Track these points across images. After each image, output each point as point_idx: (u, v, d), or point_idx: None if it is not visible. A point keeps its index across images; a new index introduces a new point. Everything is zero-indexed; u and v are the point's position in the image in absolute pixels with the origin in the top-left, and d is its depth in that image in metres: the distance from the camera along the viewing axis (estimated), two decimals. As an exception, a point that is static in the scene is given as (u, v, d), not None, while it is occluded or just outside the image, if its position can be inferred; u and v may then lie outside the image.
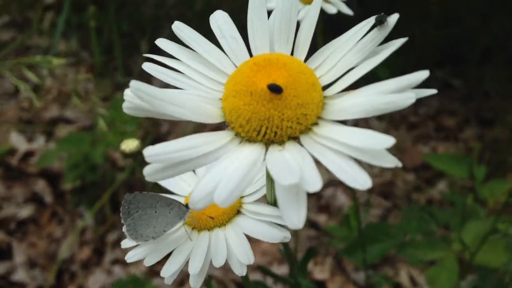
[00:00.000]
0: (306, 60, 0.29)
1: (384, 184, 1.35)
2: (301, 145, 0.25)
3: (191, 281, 0.31)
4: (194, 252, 0.32)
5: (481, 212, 0.91)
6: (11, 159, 1.22)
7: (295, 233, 1.18)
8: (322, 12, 0.56)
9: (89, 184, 1.15)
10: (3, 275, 0.99)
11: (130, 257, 0.34)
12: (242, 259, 0.31)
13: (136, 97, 0.24)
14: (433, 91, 0.25)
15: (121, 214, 0.34)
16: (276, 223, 0.32)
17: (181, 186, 0.38)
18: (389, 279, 0.69)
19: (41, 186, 1.17)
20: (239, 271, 0.31)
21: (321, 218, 1.22)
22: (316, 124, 0.26)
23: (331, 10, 0.55)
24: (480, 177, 0.96)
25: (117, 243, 1.09)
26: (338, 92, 0.27)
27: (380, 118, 1.58)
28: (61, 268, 1.02)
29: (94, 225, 1.11)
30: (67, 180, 1.09)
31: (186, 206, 0.34)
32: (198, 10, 1.81)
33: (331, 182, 1.33)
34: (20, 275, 1.00)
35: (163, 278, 0.96)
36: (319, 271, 1.04)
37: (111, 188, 1.11)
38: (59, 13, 1.80)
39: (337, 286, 1.02)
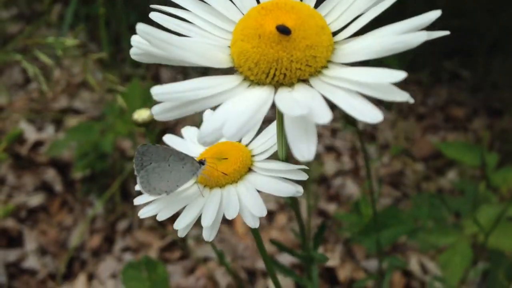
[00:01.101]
0: (315, 8, 0.29)
1: (394, 173, 1.34)
2: (311, 87, 0.25)
3: (204, 234, 0.32)
4: (207, 206, 0.32)
5: (493, 199, 0.90)
6: (21, 149, 1.22)
7: (306, 222, 1.18)
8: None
9: (98, 173, 1.16)
10: (14, 262, 1.00)
11: (143, 213, 0.34)
12: (254, 212, 0.31)
13: (144, 41, 0.24)
14: (446, 32, 0.25)
15: (134, 166, 0.34)
16: (288, 180, 0.32)
17: (189, 148, 0.38)
18: (402, 262, 0.69)
19: (51, 175, 1.17)
20: (252, 223, 0.31)
21: (331, 207, 1.22)
22: (325, 67, 0.26)
23: None
24: (492, 165, 0.95)
25: (127, 231, 1.09)
26: (347, 38, 0.27)
27: (388, 108, 1.57)
28: (72, 255, 1.03)
29: (104, 213, 1.11)
30: (77, 169, 1.10)
31: (199, 162, 0.34)
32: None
33: (341, 171, 1.33)
34: (31, 262, 1.00)
35: (173, 265, 0.95)
36: (329, 258, 1.04)
37: (120, 176, 1.11)
38: (66, 5, 1.80)
39: (347, 273, 1.02)
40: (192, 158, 0.34)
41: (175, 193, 0.35)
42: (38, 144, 1.25)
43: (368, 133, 1.51)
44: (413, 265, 1.05)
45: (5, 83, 1.47)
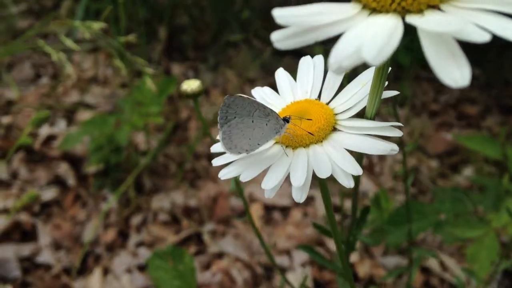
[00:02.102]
0: None
1: (408, 170, 1.33)
2: (443, 12, 0.23)
3: (295, 195, 0.30)
4: (294, 165, 0.30)
5: (516, 193, 0.89)
6: (33, 143, 1.21)
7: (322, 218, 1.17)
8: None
9: (111, 167, 1.14)
10: (28, 257, 0.98)
11: (224, 174, 0.32)
12: (349, 170, 0.29)
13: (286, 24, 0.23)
14: None
15: (218, 119, 0.33)
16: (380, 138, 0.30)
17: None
18: (432, 254, 0.68)
19: (63, 169, 1.16)
20: (347, 182, 0.29)
21: (346, 204, 1.20)
22: None
23: None
24: (513, 158, 0.94)
25: (142, 225, 1.08)
26: None
27: (401, 105, 1.56)
28: (86, 250, 1.01)
29: (118, 208, 1.10)
30: (91, 162, 1.08)
31: (283, 119, 0.32)
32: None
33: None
34: (45, 257, 0.99)
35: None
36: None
37: (135, 170, 1.10)
38: (76, 0, 1.79)
39: (366, 269, 1.01)
40: (277, 114, 0.33)
41: (256, 153, 0.33)
42: (50, 138, 1.23)
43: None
44: (432, 262, 1.04)
45: (15, 78, 1.46)
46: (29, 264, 0.98)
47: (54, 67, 1.54)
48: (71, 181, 1.14)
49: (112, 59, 1.61)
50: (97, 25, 0.71)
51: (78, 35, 1.62)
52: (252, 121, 0.32)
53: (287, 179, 0.32)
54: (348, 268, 0.41)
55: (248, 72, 1.60)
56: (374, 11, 0.24)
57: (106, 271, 0.99)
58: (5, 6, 1.81)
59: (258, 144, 0.33)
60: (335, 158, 0.30)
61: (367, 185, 1.27)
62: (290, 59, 1.68)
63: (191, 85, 0.42)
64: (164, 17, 1.70)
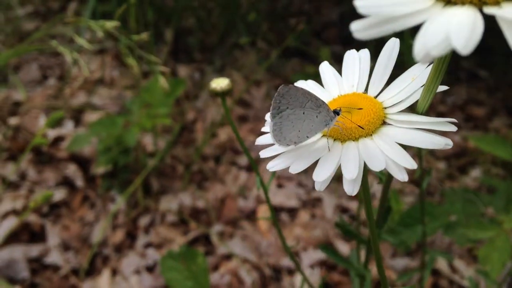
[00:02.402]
0: None
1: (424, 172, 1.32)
2: None
3: (347, 188, 0.29)
4: (345, 158, 0.30)
5: (527, 194, 0.88)
6: (41, 144, 1.21)
7: (329, 220, 1.17)
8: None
9: (119, 168, 1.14)
10: (37, 258, 0.98)
11: (272, 166, 0.32)
12: (403, 163, 0.28)
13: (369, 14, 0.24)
14: None
15: (271, 109, 0.32)
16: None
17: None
18: (447, 256, 0.67)
19: (72, 170, 1.16)
20: (400, 176, 0.29)
21: (353, 205, 1.20)
22: None
23: None
24: (524, 160, 0.93)
25: (150, 226, 1.07)
26: None
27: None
28: (94, 251, 1.01)
29: (126, 209, 1.10)
30: (100, 163, 1.08)
31: (334, 112, 0.32)
32: (221, 0, 1.80)
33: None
34: (54, 258, 0.99)
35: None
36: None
37: (144, 172, 1.10)
38: (82, 2, 1.80)
39: (375, 271, 1.00)
40: (328, 107, 0.32)
41: (305, 145, 0.33)
42: (58, 139, 1.24)
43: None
44: (442, 264, 1.03)
45: (22, 80, 1.46)
46: (37, 265, 0.98)
47: (61, 69, 1.54)
48: (79, 182, 1.14)
49: (120, 60, 1.61)
50: (110, 24, 0.72)
51: (85, 37, 1.63)
52: (303, 113, 0.32)
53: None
54: (383, 267, 0.41)
55: (255, 74, 1.60)
56: (448, 3, 0.24)
57: (114, 272, 0.99)
58: (11, 8, 1.81)
59: (307, 137, 0.33)
60: (386, 152, 0.29)
61: (374, 186, 1.27)
62: (297, 61, 1.68)
63: (220, 83, 0.42)
64: (172, 19, 1.70)
